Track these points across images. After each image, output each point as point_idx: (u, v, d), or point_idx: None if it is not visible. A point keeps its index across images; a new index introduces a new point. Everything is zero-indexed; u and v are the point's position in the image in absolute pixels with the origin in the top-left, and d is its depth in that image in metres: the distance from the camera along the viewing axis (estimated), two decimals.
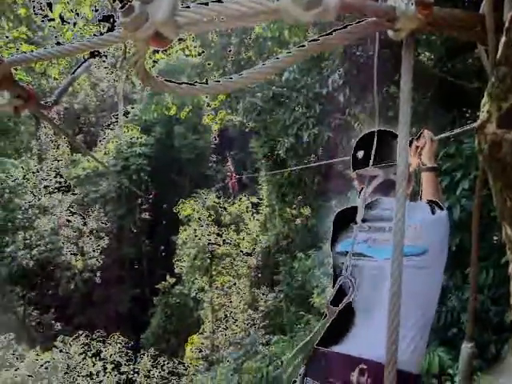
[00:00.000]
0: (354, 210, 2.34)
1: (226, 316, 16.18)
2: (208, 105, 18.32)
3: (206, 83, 0.84)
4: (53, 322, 20.52)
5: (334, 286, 2.19)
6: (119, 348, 16.00)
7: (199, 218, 17.56)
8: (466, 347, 1.21)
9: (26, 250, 19.25)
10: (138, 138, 24.64)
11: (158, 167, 24.81)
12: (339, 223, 2.40)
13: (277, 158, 12.81)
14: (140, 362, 16.34)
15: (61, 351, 14.94)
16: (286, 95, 11.63)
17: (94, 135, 29.65)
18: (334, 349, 2.01)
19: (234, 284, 17.06)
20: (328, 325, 2.06)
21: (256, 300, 15.29)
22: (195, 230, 17.29)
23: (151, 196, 23.88)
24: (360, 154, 2.39)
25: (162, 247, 26.29)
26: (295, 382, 2.12)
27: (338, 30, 0.77)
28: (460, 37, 0.95)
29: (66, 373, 14.00)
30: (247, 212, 18.81)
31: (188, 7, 0.70)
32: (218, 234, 17.29)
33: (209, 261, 17.02)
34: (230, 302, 16.68)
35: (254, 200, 18.91)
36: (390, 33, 0.79)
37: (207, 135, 26.85)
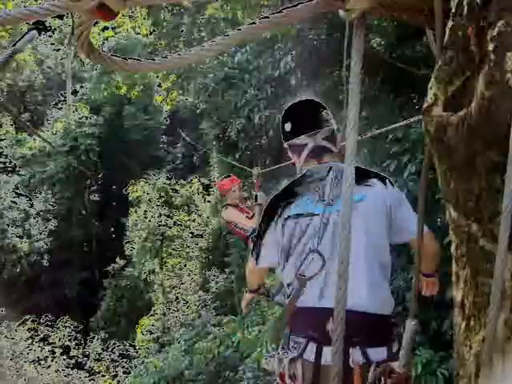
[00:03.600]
0: (285, 191, 2.45)
1: (177, 298, 16.12)
2: (159, 85, 18.01)
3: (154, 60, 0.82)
4: None
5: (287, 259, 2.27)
6: (68, 332, 15.72)
7: (149, 200, 17.35)
8: (410, 324, 1.26)
9: None
10: (87, 118, 23.92)
11: (108, 148, 24.23)
12: (280, 202, 2.42)
13: (228, 139, 12.76)
14: (90, 346, 16.12)
15: (6, 337, 14.53)
16: (237, 77, 11.57)
17: (41, 114, 28.58)
18: (310, 304, 2.13)
19: (185, 266, 17.01)
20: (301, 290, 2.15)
21: (207, 281, 15.30)
22: (145, 211, 17.08)
23: (100, 176, 23.36)
24: (287, 125, 2.50)
25: (112, 229, 25.84)
26: (267, 358, 2.19)
27: (288, 7, 0.77)
28: (410, 20, 0.96)
29: (11, 359, 13.65)
30: (198, 194, 18.69)
31: None
32: (168, 216, 17.13)
33: (159, 243, 16.88)
34: (181, 283, 16.63)
35: (206, 182, 18.82)
36: (341, 13, 0.79)
37: (158, 116, 26.38)
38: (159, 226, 16.79)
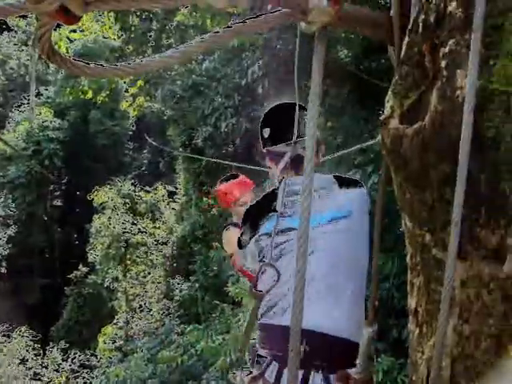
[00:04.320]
0: (264, 200, 2.32)
1: (140, 306, 15.94)
2: (126, 90, 17.81)
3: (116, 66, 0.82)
4: None
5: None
6: (26, 342, 15.30)
7: (114, 206, 17.09)
8: (367, 332, 1.29)
9: None
10: (51, 122, 23.50)
11: (72, 153, 23.84)
12: (255, 217, 2.30)
13: (195, 146, 12.73)
14: (49, 356, 15.71)
15: None
16: (205, 84, 11.58)
17: (2, 116, 27.89)
18: (275, 322, 2.02)
19: (149, 273, 16.82)
20: (260, 306, 2.08)
21: (171, 290, 15.18)
22: (110, 218, 16.82)
23: (63, 181, 22.92)
24: (266, 131, 2.36)
25: (75, 235, 25.37)
26: (234, 373, 2.11)
27: (251, 18, 0.78)
28: (371, 35, 0.99)
29: None
30: (163, 201, 18.56)
31: None
32: (133, 223, 16.91)
33: (123, 250, 16.63)
34: (145, 291, 16.44)
35: (171, 189, 18.70)
36: (303, 25, 0.81)
37: (124, 121, 26.12)
38: (123, 232, 16.56)
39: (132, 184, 18.77)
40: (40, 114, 24.40)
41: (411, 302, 0.86)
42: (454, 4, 0.72)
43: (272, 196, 2.28)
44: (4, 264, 20.86)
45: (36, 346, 15.48)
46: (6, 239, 20.78)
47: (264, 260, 2.10)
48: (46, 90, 26.56)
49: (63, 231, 25.12)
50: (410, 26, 0.81)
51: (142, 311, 15.67)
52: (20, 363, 14.46)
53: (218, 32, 0.79)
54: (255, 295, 2.06)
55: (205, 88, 11.57)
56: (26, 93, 26.45)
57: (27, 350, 15.05)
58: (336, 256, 2.01)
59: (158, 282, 16.59)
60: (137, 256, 17.02)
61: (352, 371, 1.43)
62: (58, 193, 24.73)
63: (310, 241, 1.93)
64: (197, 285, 13.53)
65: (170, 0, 0.67)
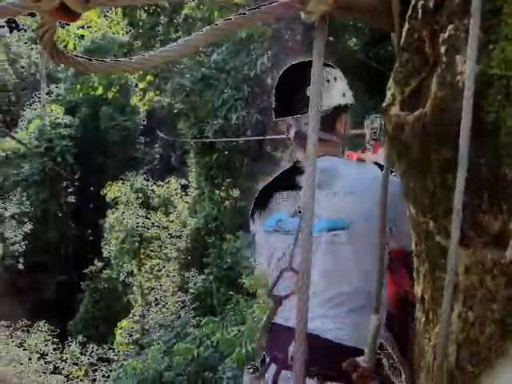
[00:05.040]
0: (278, 179, 2.13)
1: (156, 299, 16.05)
2: (136, 85, 17.85)
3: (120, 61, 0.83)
4: None
5: (268, 266, 2.04)
6: (45, 337, 15.50)
7: (127, 201, 17.20)
8: (374, 318, 1.29)
9: None
10: (62, 119, 23.66)
11: (84, 149, 23.99)
12: (266, 197, 2.11)
13: (206, 139, 12.76)
14: (67, 350, 15.92)
15: None
16: (214, 77, 11.56)
17: (15, 115, 28.11)
18: (280, 321, 1.93)
19: (164, 267, 16.93)
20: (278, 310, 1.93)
21: (186, 282, 15.26)
22: (123, 212, 16.93)
23: (76, 177, 23.08)
24: (273, 100, 2.11)
25: (90, 231, 25.57)
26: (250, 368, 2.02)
27: (251, 9, 0.78)
28: (372, 23, 0.99)
29: None
30: (176, 195, 18.63)
31: None
32: (146, 217, 17.01)
33: (137, 244, 16.74)
34: (160, 285, 16.55)
35: (183, 182, 18.75)
36: (303, 15, 0.80)
37: (135, 116, 26.20)
38: (137, 227, 16.66)
39: (144, 178, 18.86)
40: (51, 111, 24.55)
41: (417, 290, 0.86)
42: None
43: (290, 173, 2.06)
44: (21, 260, 21.14)
45: (55, 340, 15.68)
46: (21, 236, 21.04)
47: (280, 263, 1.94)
48: (57, 87, 26.71)
49: (77, 227, 25.32)
50: (409, 12, 0.81)
51: (157, 304, 15.79)
52: (40, 358, 14.66)
53: (217, 25, 0.79)
54: (274, 299, 1.91)
55: (214, 80, 11.55)
56: (37, 91, 26.62)
57: (46, 345, 15.26)
58: (333, 269, 1.83)
59: (173, 275, 16.70)
60: (151, 250, 17.13)
61: (360, 359, 1.42)
62: (71, 189, 24.90)
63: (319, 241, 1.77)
64: (211, 277, 13.59)
65: None
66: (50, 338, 15.62)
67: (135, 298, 16.97)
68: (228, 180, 14.01)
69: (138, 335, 15.26)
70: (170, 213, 18.18)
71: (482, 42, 0.67)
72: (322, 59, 0.78)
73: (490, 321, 0.70)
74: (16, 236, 20.93)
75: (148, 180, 18.97)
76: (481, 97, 0.66)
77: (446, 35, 0.72)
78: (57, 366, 14.93)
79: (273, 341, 1.95)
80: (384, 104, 0.86)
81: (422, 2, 0.77)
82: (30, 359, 14.33)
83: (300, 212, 1.87)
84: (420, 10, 0.77)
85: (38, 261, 22.33)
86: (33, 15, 25.98)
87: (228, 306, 11.15)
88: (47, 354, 15.04)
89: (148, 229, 16.94)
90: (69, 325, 20.11)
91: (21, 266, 21.16)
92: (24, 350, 14.58)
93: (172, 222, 17.62)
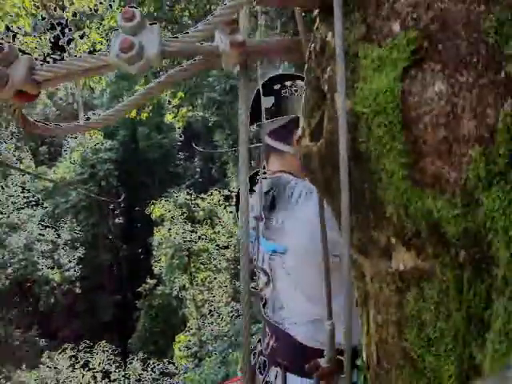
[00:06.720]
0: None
1: (210, 311, 16.21)
2: (169, 102, 18.16)
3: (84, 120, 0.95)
4: (37, 338, 20.25)
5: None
6: (107, 356, 15.96)
7: (172, 217, 17.50)
8: (327, 325, 1.37)
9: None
10: (102, 144, 24.37)
11: (126, 170, 24.63)
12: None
13: None
14: (130, 367, 16.34)
15: (48, 367, 14.85)
16: None
17: (58, 145, 29.20)
18: (265, 315, 2.01)
19: (215, 278, 17.08)
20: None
21: (238, 291, 15.35)
22: (169, 229, 17.23)
23: (121, 200, 23.64)
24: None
25: (140, 250, 26.15)
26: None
27: (174, 68, 0.89)
28: (288, 60, 1.07)
29: None
30: (219, 206, 18.80)
31: (43, 64, 0.80)
32: (192, 231, 17.25)
33: (186, 258, 16.97)
34: (213, 296, 16.72)
35: (225, 193, 18.91)
36: (223, 64, 0.89)
37: (172, 133, 26.69)
38: (184, 241, 16.89)
39: (187, 193, 19.12)
40: (91, 137, 25.30)
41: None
42: (329, 34, 0.82)
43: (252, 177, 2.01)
44: (77, 285, 21.87)
45: (116, 358, 16.12)
46: (76, 261, 21.78)
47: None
48: (94, 113, 27.51)
49: (128, 247, 25.94)
50: (307, 54, 0.90)
51: (211, 316, 15.95)
52: (104, 377, 15.12)
53: (151, 86, 0.89)
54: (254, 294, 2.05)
55: None
56: (76, 119, 27.43)
57: (109, 364, 15.71)
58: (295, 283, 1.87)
59: (225, 286, 16.82)
60: (200, 263, 17.31)
61: (321, 360, 1.50)
62: (117, 211, 25.52)
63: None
64: None
65: (99, 71, 0.78)
66: (112, 356, 16.07)
67: (190, 311, 17.19)
68: None
69: (195, 348, 15.46)
70: (216, 224, 18.34)
71: (349, 83, 0.76)
72: (249, 101, 0.86)
73: (390, 322, 0.79)
74: (70, 261, 21.70)
75: (191, 194, 19.22)
76: (355, 129, 0.76)
77: (327, 76, 0.82)
78: (120, 383, 15.38)
79: (262, 334, 2.08)
80: (295, 136, 0.96)
81: (313, 45, 0.87)
82: (94, 378, 14.82)
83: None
84: (313, 53, 0.87)
85: (94, 283, 23.02)
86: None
87: None
88: (111, 373, 15.50)
89: (195, 242, 17.14)
90: (129, 343, 20.59)
91: (78, 290, 21.89)
92: (88, 370, 15.08)
93: (218, 233, 17.77)
